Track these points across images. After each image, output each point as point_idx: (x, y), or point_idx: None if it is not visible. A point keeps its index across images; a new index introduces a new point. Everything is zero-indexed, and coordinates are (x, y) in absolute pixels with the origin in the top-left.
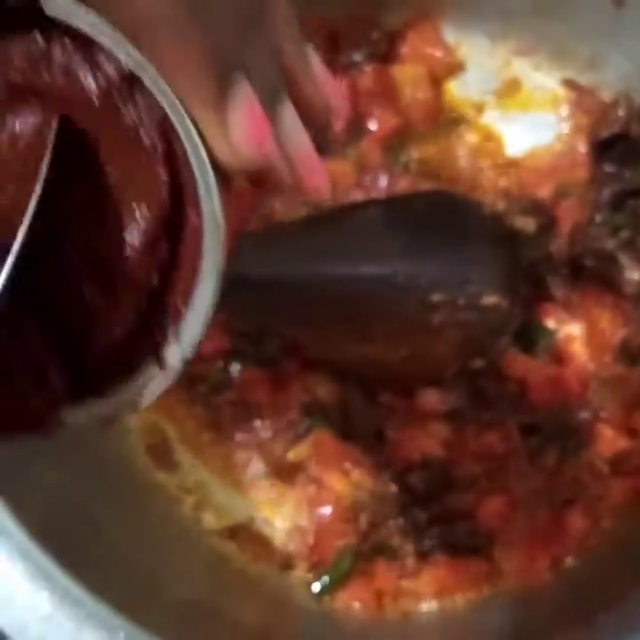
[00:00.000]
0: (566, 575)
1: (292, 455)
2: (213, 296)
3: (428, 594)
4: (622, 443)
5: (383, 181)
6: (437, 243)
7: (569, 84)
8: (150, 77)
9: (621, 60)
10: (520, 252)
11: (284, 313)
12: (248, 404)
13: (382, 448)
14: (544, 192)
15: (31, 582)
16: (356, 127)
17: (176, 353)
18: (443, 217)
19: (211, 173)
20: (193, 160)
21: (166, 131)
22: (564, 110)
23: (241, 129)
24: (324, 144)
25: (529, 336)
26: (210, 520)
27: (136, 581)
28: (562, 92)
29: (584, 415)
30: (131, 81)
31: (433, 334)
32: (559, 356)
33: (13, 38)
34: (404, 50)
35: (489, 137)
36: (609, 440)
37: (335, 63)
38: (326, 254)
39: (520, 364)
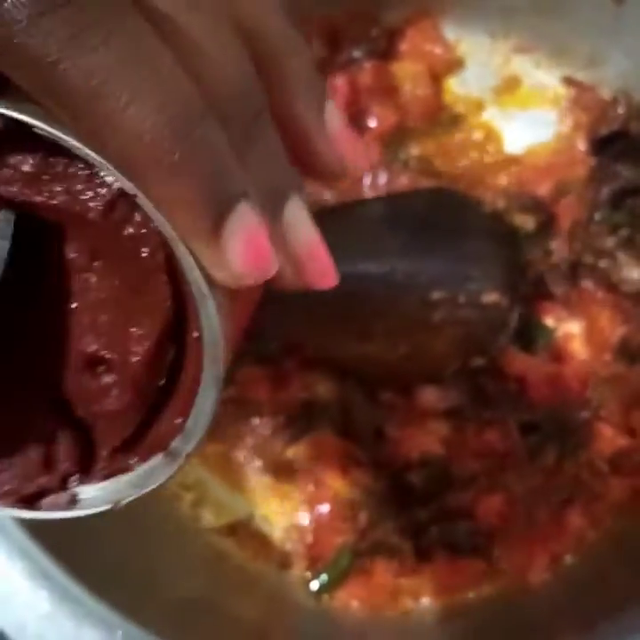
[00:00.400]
0: (565, 574)
1: (290, 453)
2: (215, 398)
3: (426, 592)
4: (622, 441)
5: (382, 178)
6: (437, 240)
7: (569, 81)
8: (142, 200)
9: (621, 58)
10: (519, 249)
11: (284, 311)
12: (247, 402)
13: (382, 446)
14: (543, 190)
15: (30, 581)
16: (356, 124)
17: (182, 445)
18: (443, 215)
19: (208, 294)
20: (189, 279)
21: (166, 243)
22: (564, 108)
23: (238, 257)
24: None
25: (528, 334)
26: (208, 517)
27: (134, 579)
28: (561, 89)
29: (583, 414)
30: (129, 197)
31: (433, 332)
32: (558, 355)
33: (12, 153)
34: (404, 47)
35: (488, 134)
36: (608, 439)
37: (335, 60)
38: None
39: (519, 362)
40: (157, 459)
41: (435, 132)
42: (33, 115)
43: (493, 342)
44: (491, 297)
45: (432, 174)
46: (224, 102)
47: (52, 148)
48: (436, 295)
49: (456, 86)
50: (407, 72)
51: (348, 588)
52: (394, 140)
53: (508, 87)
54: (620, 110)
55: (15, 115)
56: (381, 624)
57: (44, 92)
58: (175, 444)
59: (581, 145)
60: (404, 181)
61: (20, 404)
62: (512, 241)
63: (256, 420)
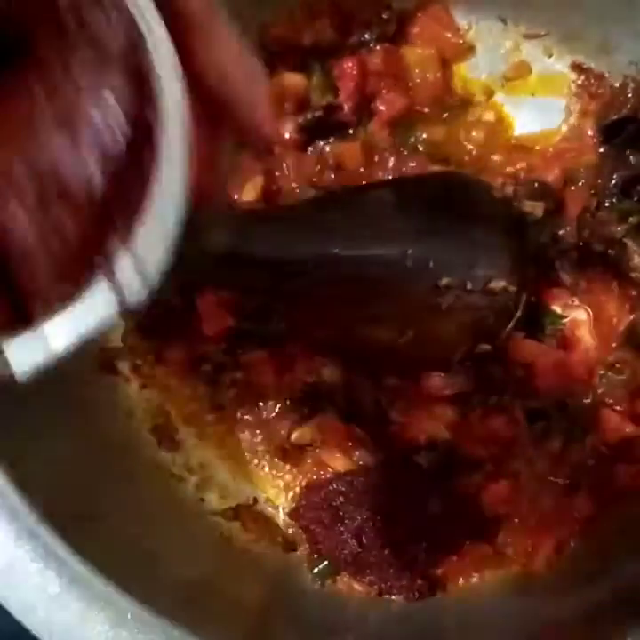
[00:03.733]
0: (570, 560)
1: (295, 436)
2: (175, 211)
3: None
4: (627, 428)
5: (391, 162)
6: (447, 226)
7: (578, 68)
8: None
9: (632, 45)
10: (528, 236)
11: (293, 293)
12: (252, 385)
13: (386, 430)
14: (552, 176)
15: (39, 563)
16: (365, 108)
17: (129, 268)
18: (452, 200)
19: (176, 63)
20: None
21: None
22: (573, 94)
23: None
24: (331, 125)
25: (536, 321)
26: (213, 500)
27: (141, 561)
28: (571, 75)
29: (589, 401)
30: None
31: (441, 318)
32: (566, 342)
33: None
34: (415, 31)
35: (498, 120)
36: (614, 426)
37: (345, 43)
38: (335, 235)
39: (527, 349)
40: (102, 290)
41: (444, 117)
42: None
43: (501, 328)
44: (499, 283)
45: (441, 159)
46: None
47: None
48: (445, 281)
49: (466, 71)
50: (417, 56)
51: None
52: (403, 124)
53: (518, 73)
54: (630, 95)
55: None
56: (384, 607)
57: None
58: (121, 266)
59: (590, 131)
60: (413, 165)
61: None
62: (521, 227)
63: (261, 403)
